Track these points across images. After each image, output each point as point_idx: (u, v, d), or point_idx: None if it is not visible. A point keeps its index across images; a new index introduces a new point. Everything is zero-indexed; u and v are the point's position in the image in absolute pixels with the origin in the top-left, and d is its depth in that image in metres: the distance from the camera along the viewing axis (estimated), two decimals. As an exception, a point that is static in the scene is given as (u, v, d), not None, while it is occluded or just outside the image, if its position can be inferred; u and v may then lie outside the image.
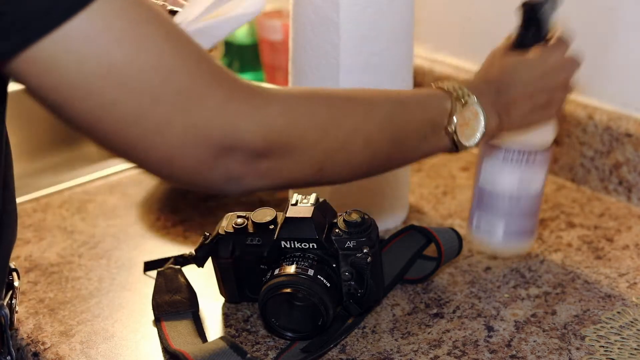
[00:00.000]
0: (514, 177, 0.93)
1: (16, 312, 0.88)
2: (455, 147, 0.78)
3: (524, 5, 0.87)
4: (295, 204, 0.85)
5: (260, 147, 0.64)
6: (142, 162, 0.63)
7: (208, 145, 0.62)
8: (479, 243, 0.98)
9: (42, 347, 0.86)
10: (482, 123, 0.78)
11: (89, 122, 0.60)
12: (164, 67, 0.60)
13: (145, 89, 0.59)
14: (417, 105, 0.77)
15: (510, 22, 1.03)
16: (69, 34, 0.56)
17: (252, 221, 0.86)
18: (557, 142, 1.13)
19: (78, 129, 0.62)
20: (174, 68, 0.60)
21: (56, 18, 0.55)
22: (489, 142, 0.92)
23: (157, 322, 0.87)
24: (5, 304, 0.83)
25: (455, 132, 0.76)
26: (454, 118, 0.76)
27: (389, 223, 1.04)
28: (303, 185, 0.73)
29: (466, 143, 0.78)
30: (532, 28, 0.86)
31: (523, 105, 0.82)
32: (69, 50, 0.56)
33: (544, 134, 0.92)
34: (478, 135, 0.78)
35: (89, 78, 0.58)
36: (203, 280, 0.93)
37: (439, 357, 0.83)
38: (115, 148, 0.62)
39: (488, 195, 0.94)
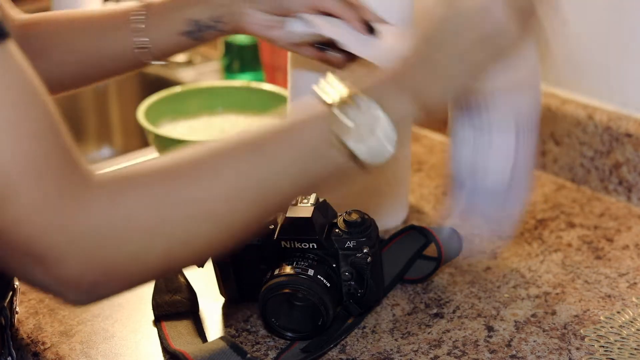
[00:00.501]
0: None
1: (16, 313, 0.88)
2: (355, 157, 0.64)
3: None
4: (295, 204, 0.85)
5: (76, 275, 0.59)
6: None
7: (15, 250, 0.57)
8: None
9: (42, 347, 0.86)
10: (382, 116, 0.64)
11: None
12: None
13: None
14: (284, 144, 0.64)
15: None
16: None
17: None
18: (556, 142, 1.13)
19: None
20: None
21: None
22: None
23: (157, 322, 0.87)
24: (5, 304, 0.83)
25: (343, 141, 0.64)
26: (336, 127, 0.64)
27: (389, 223, 1.04)
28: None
29: (364, 150, 0.64)
30: None
31: (450, 67, 0.67)
32: None
33: None
34: (384, 134, 0.64)
35: None
36: (203, 280, 0.93)
37: (439, 357, 0.83)
38: None
39: None
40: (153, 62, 0.90)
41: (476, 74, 0.68)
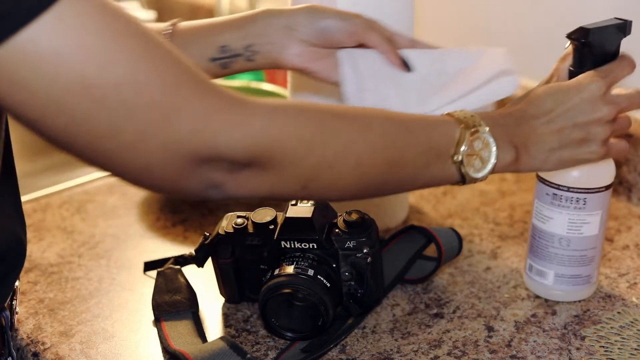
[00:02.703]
0: (563, 218, 0.87)
1: (16, 313, 0.88)
2: (463, 178, 0.74)
3: (578, 31, 0.80)
4: (295, 204, 0.85)
5: (241, 159, 0.63)
6: (119, 173, 0.62)
7: (186, 158, 0.61)
8: (531, 285, 0.92)
9: (42, 347, 0.86)
10: (494, 155, 0.74)
11: (63, 138, 0.59)
12: (138, 82, 0.58)
13: (120, 104, 0.58)
14: (421, 130, 0.73)
15: (510, 22, 1.03)
16: (30, 41, 0.54)
17: (252, 221, 0.86)
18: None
19: (52, 144, 0.61)
20: (149, 82, 0.58)
21: (18, 21, 0.53)
22: (540, 177, 0.88)
23: (157, 322, 0.87)
24: (5, 305, 0.83)
25: (462, 162, 0.72)
26: (462, 147, 0.72)
27: (389, 223, 1.04)
28: (288, 198, 0.70)
29: (474, 175, 0.73)
30: (588, 60, 0.80)
31: (548, 140, 0.76)
32: (35, 62, 0.55)
33: (596, 174, 0.86)
34: (488, 167, 0.74)
35: (60, 93, 0.56)
36: (203, 280, 0.93)
37: (439, 357, 0.83)
38: (91, 160, 0.61)
39: (539, 233, 0.89)
40: None
41: (575, 157, 0.78)
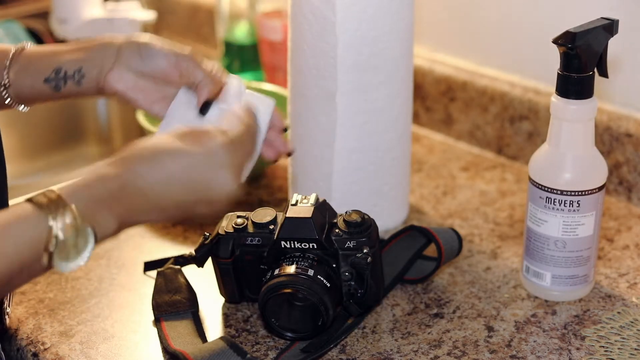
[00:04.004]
0: (557, 221, 0.87)
1: (7, 315, 0.88)
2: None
3: (564, 36, 0.82)
4: (295, 204, 0.85)
5: None
6: None
7: None
8: (528, 286, 0.92)
9: (41, 347, 0.86)
10: (90, 240, 0.66)
11: None
12: None
13: None
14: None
15: (510, 22, 1.03)
16: None
17: (252, 221, 0.86)
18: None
19: None
20: None
21: None
22: (533, 180, 0.87)
23: (157, 322, 0.87)
24: None
25: (53, 253, 0.64)
26: (52, 240, 0.64)
27: (389, 223, 1.04)
28: None
29: (64, 267, 0.65)
30: (575, 64, 0.82)
31: (161, 205, 0.71)
32: None
33: (589, 176, 0.86)
34: (86, 254, 0.66)
35: None
36: (203, 280, 0.93)
37: (439, 357, 0.83)
38: None
39: (534, 235, 0.89)
40: (15, 106, 0.86)
41: (183, 211, 0.73)
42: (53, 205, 0.64)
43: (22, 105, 0.86)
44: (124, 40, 0.85)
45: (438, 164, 1.20)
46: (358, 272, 0.84)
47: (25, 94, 0.85)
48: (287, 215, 0.84)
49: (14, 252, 0.63)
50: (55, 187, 0.66)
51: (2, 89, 0.84)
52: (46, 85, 0.84)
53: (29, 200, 0.65)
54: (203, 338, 0.85)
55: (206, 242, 0.88)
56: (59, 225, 0.64)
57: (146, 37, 0.86)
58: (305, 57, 0.97)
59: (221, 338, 0.82)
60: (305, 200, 0.85)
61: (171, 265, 0.94)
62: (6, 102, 0.85)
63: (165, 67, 0.85)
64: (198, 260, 0.89)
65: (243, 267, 0.88)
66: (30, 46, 0.86)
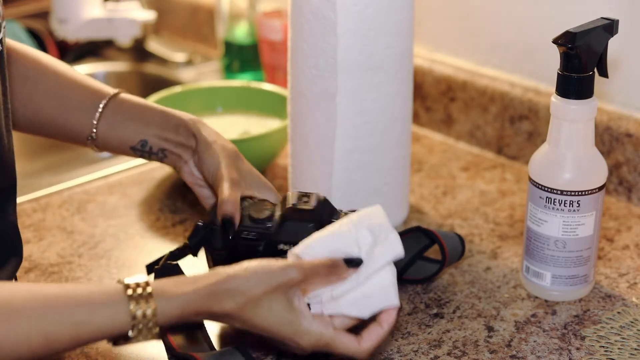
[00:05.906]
0: (557, 221, 0.87)
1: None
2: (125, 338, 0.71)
3: (564, 36, 0.82)
4: (295, 204, 0.84)
5: None
6: None
7: None
8: (528, 286, 0.92)
9: (42, 347, 0.86)
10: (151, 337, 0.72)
11: None
12: None
13: None
14: (81, 316, 0.68)
15: (510, 22, 1.03)
16: None
17: (250, 215, 0.85)
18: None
19: None
20: None
21: None
22: (533, 180, 0.88)
23: (163, 334, 0.86)
24: None
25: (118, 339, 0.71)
26: (128, 332, 0.71)
27: (389, 223, 1.04)
28: None
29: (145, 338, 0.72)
30: (575, 64, 0.82)
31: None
32: None
33: (589, 176, 0.87)
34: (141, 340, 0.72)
35: None
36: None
37: (439, 357, 0.83)
38: None
39: (534, 235, 0.89)
40: (98, 152, 0.94)
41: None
42: (143, 300, 0.70)
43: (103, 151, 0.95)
44: (202, 138, 0.89)
45: (438, 164, 1.20)
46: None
47: (109, 149, 0.94)
48: (287, 217, 0.83)
49: (96, 330, 0.69)
50: (151, 285, 0.70)
51: (89, 140, 0.92)
52: (131, 151, 0.92)
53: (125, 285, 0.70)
54: (209, 343, 0.84)
55: (200, 229, 0.86)
56: (137, 321, 0.70)
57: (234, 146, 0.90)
58: (305, 57, 0.97)
59: (235, 348, 0.81)
60: (305, 199, 0.84)
61: (169, 262, 0.92)
62: (89, 147, 0.93)
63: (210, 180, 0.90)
64: (192, 248, 0.87)
65: (237, 259, 0.86)
66: (123, 96, 0.92)
